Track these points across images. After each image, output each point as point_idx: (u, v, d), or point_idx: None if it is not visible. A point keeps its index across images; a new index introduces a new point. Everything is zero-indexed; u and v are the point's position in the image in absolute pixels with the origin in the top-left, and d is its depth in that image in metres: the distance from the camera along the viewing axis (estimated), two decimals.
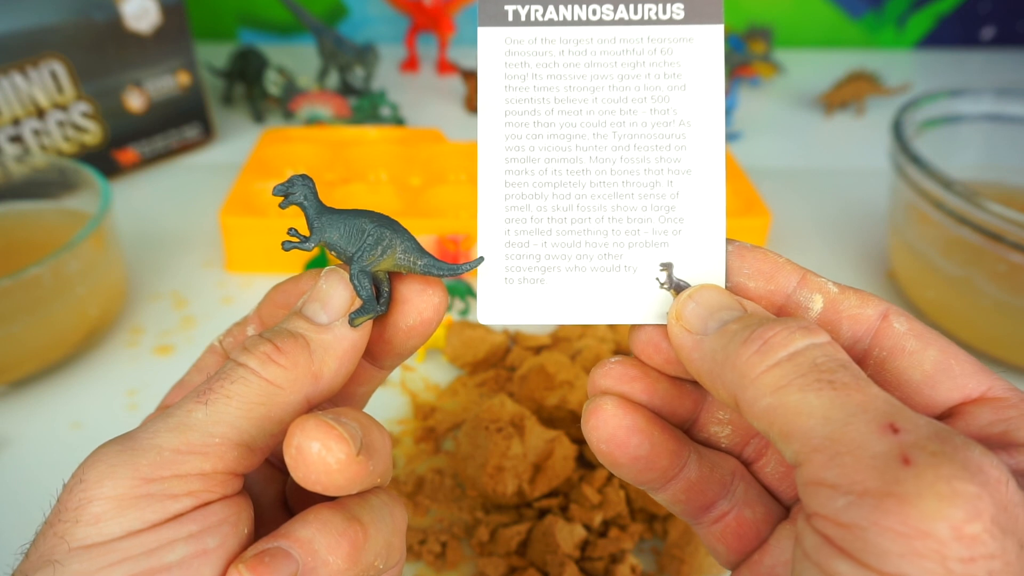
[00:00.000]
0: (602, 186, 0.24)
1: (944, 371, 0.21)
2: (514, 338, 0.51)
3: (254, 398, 0.21)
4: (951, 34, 1.04)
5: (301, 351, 0.22)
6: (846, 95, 0.85)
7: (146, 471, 0.19)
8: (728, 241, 0.23)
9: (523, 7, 0.24)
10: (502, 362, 0.50)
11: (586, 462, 0.43)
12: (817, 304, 0.22)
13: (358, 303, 0.23)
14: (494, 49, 0.24)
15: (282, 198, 0.24)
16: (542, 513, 0.39)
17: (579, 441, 0.43)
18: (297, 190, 0.24)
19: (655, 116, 0.23)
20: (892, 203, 0.58)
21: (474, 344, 0.49)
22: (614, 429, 0.22)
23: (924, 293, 0.54)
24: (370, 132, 0.69)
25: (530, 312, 0.24)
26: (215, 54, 0.91)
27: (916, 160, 0.51)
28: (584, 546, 0.37)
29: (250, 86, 0.80)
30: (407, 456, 0.44)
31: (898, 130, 0.54)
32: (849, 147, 0.80)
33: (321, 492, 0.21)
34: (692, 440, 0.24)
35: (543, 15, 0.24)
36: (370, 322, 0.23)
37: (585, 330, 0.50)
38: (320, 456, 0.20)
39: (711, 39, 0.23)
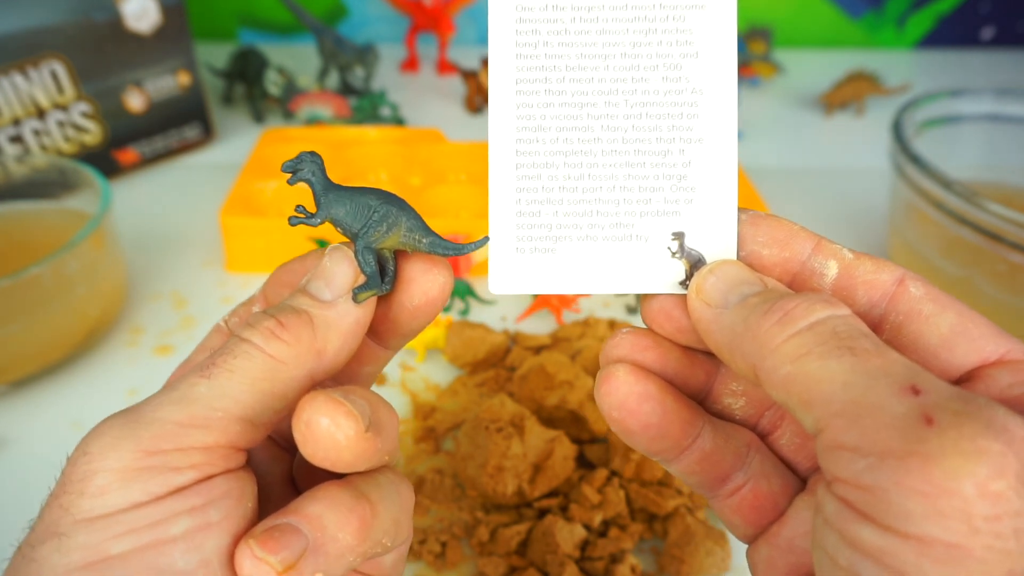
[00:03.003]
0: (614, 155, 0.23)
1: (962, 334, 0.21)
2: (514, 338, 0.51)
3: (257, 373, 0.21)
4: (951, 34, 1.04)
5: (304, 327, 0.22)
6: (846, 95, 0.85)
7: (149, 443, 0.19)
8: (741, 210, 0.23)
9: None
10: (502, 362, 0.50)
11: (586, 462, 0.43)
12: (832, 270, 0.22)
13: (362, 279, 0.23)
14: (505, 17, 0.23)
15: (290, 174, 0.24)
16: (542, 513, 0.39)
17: (579, 441, 0.43)
18: (305, 166, 0.23)
19: (667, 84, 0.23)
20: (892, 203, 0.58)
21: (474, 344, 0.49)
22: (625, 396, 0.22)
23: None
24: (370, 132, 0.69)
25: (541, 281, 0.24)
26: (215, 54, 0.91)
27: (916, 160, 0.51)
28: (584, 546, 0.37)
29: (250, 86, 0.80)
30: (407, 456, 0.44)
31: (898, 130, 0.54)
32: (849, 147, 0.80)
33: (329, 468, 0.21)
34: (706, 412, 0.24)
35: None
36: (374, 299, 0.23)
37: (585, 330, 0.50)
38: (329, 431, 0.20)
39: (724, 6, 0.23)
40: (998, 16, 1.03)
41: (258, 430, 0.21)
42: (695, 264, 0.23)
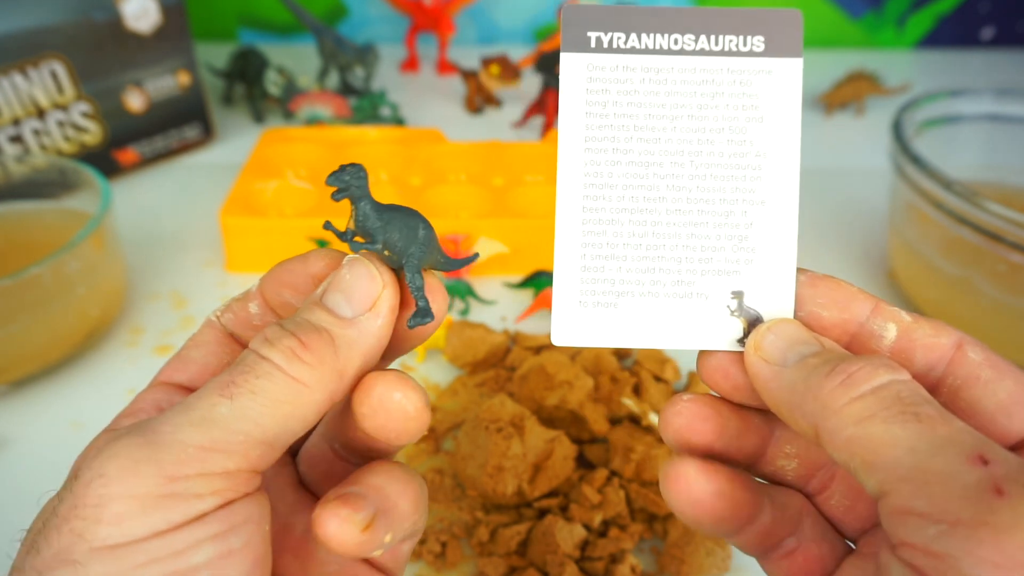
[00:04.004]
0: (678, 214, 0.24)
1: (1019, 402, 0.21)
2: (514, 338, 0.51)
3: (279, 396, 0.20)
4: (951, 34, 1.04)
5: (327, 347, 0.21)
6: (846, 95, 0.85)
7: (170, 469, 0.19)
8: (799, 271, 0.24)
9: (606, 34, 0.24)
10: (502, 362, 0.50)
11: (586, 462, 0.43)
12: (891, 332, 0.23)
13: (389, 298, 0.22)
14: (576, 75, 0.24)
15: (335, 188, 0.23)
16: (542, 513, 0.39)
17: (579, 441, 0.43)
18: (358, 183, 0.23)
19: (732, 147, 0.24)
20: (892, 203, 0.58)
21: (474, 344, 0.49)
22: (699, 495, 0.23)
23: (924, 293, 0.54)
24: (370, 132, 0.69)
25: (603, 335, 0.24)
26: (215, 54, 0.91)
27: (916, 160, 0.51)
28: (584, 546, 0.37)
29: (250, 86, 0.80)
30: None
31: (898, 130, 0.54)
32: (849, 147, 0.80)
33: (392, 440, 0.22)
34: (758, 474, 0.25)
35: (625, 43, 0.24)
36: (394, 319, 0.23)
37: None
38: (401, 404, 0.21)
39: (790, 72, 0.24)
40: (998, 16, 1.03)
41: (275, 452, 0.21)
42: (752, 322, 0.24)
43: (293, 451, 0.27)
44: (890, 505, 0.18)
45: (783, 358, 0.22)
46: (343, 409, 0.25)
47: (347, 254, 0.23)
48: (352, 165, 0.23)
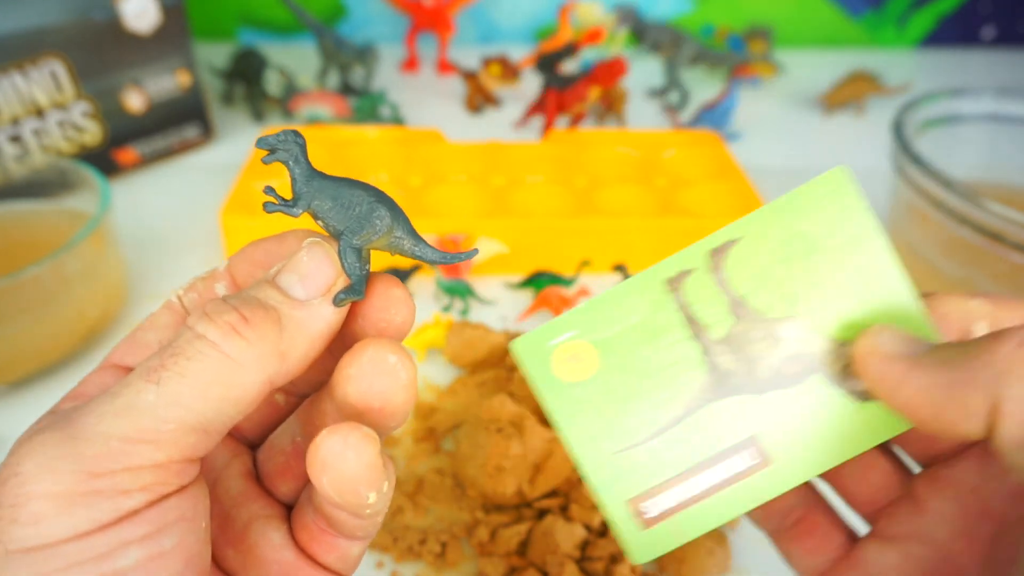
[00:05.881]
0: None
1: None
2: (514, 338, 0.51)
3: (212, 376, 0.18)
4: (952, 34, 1.04)
5: (271, 325, 0.19)
6: (846, 95, 0.85)
7: (92, 464, 0.17)
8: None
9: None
10: (502, 362, 0.49)
11: None
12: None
13: (343, 282, 0.21)
14: None
15: (267, 151, 0.21)
16: (542, 513, 0.39)
17: None
18: (288, 147, 0.21)
19: None
20: (892, 203, 0.57)
21: (474, 344, 0.49)
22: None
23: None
24: (370, 132, 0.69)
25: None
26: (215, 54, 0.91)
27: (916, 160, 0.51)
28: (584, 546, 0.37)
29: (250, 86, 0.80)
30: (407, 456, 0.44)
31: (898, 130, 0.54)
32: (849, 147, 0.80)
33: (377, 413, 0.20)
34: None
35: None
36: (348, 305, 0.21)
37: None
38: (395, 368, 0.20)
39: None
40: (999, 16, 1.03)
41: (212, 438, 0.19)
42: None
43: (254, 441, 0.25)
44: None
45: (911, 348, 0.20)
46: (315, 397, 0.24)
47: (312, 235, 0.22)
48: (291, 130, 0.21)
